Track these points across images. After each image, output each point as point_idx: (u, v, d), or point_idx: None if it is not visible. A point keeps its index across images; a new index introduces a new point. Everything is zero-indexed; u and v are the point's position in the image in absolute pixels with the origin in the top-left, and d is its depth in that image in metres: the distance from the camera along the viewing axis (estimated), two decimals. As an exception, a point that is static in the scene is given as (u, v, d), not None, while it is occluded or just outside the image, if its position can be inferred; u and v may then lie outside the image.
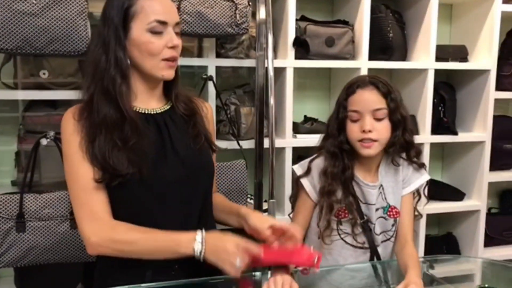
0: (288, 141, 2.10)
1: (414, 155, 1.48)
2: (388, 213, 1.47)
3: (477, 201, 2.46)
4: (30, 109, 1.91)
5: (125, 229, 1.18)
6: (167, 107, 1.29)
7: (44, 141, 1.74)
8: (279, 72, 2.07)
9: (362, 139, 1.38)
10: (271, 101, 1.89)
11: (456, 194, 2.49)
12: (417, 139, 2.31)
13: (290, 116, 2.09)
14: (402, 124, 1.42)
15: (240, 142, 1.98)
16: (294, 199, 1.60)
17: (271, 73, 1.89)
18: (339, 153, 1.45)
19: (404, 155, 1.49)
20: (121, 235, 1.17)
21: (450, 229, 2.61)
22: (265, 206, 1.99)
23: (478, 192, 2.46)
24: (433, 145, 2.36)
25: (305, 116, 2.29)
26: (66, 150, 1.22)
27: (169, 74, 1.23)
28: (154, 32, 1.19)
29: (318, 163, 1.49)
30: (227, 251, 1.11)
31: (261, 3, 1.86)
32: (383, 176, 1.47)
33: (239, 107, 2.07)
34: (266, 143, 1.95)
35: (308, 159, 1.54)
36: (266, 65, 1.91)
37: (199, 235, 1.13)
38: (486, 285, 1.29)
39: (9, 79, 1.93)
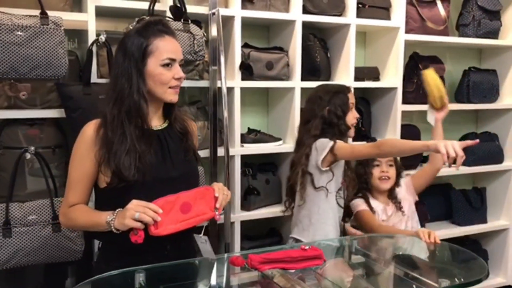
0: (237, 150, 2.44)
1: None
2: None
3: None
4: (6, 126, 2.08)
5: (74, 209, 1.52)
6: (165, 125, 1.61)
7: (28, 156, 1.96)
8: (228, 91, 2.40)
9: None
10: (225, 114, 2.24)
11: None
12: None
13: (238, 128, 2.45)
14: None
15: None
16: None
17: (224, 90, 2.24)
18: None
19: None
20: (70, 213, 1.53)
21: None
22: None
23: (391, 188, 2.95)
24: (354, 150, 2.82)
25: (248, 128, 2.66)
26: (76, 152, 1.52)
27: (176, 98, 1.56)
28: (165, 65, 1.51)
29: None
30: (126, 209, 1.39)
31: (214, 21, 2.21)
32: None
33: (194, 122, 2.38)
34: (219, 151, 2.29)
35: None
36: (219, 85, 2.26)
37: (115, 211, 1.43)
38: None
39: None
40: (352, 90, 2.25)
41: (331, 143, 2.02)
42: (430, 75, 2.30)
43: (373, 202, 2.32)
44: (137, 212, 1.36)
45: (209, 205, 1.51)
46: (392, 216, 2.31)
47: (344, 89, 2.19)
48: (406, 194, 2.41)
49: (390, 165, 2.33)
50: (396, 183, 2.36)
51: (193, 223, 1.50)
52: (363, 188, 2.34)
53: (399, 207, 2.33)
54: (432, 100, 2.29)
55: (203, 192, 1.52)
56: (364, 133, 2.85)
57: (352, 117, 2.15)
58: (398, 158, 2.41)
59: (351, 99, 2.17)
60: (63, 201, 1.58)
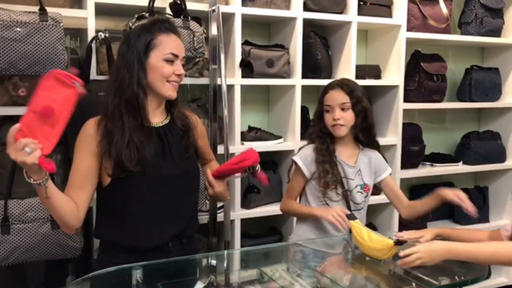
0: (237, 147, 2.44)
1: (374, 135, 2.04)
2: (364, 189, 2.02)
3: (391, 194, 2.93)
4: (6, 123, 2.08)
5: None
6: (166, 121, 1.60)
7: (26, 152, 1.95)
8: (228, 88, 2.40)
9: (334, 125, 1.93)
10: (225, 112, 2.23)
11: (375, 189, 2.94)
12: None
13: (238, 126, 2.44)
14: (362, 113, 1.94)
15: (197, 149, 2.29)
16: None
17: (224, 88, 2.23)
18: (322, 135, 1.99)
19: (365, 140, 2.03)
20: None
21: (370, 219, 3.07)
22: (219, 203, 2.32)
23: (392, 187, 2.93)
24: (355, 149, 2.80)
25: (249, 126, 2.65)
26: (76, 149, 1.51)
27: (174, 94, 1.56)
28: (168, 60, 1.51)
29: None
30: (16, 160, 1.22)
31: (214, 19, 2.20)
32: (360, 163, 2.00)
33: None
34: (219, 149, 2.29)
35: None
36: (219, 83, 2.25)
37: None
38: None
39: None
40: (340, 88, 1.93)
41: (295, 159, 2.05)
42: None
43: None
44: (26, 148, 1.21)
45: (63, 88, 1.31)
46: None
47: (325, 88, 1.99)
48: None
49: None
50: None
51: (64, 117, 1.31)
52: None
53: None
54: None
55: (48, 84, 1.33)
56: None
57: (329, 118, 1.93)
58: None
59: (329, 100, 1.93)
60: None
